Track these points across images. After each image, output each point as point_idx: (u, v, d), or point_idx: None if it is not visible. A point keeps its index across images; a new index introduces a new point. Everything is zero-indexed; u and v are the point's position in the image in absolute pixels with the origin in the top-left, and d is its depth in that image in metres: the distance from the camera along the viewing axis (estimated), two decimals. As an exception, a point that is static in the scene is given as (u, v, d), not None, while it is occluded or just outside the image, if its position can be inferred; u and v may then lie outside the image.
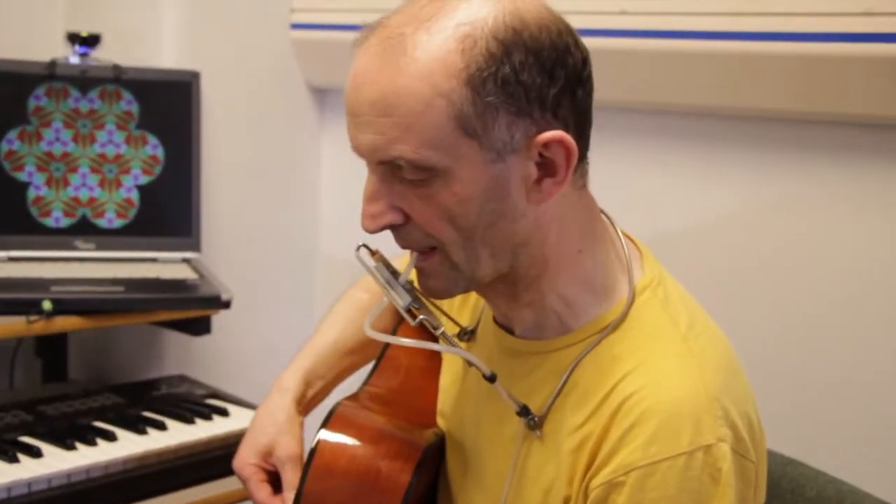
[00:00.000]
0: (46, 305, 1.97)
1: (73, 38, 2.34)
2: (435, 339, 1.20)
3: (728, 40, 1.84)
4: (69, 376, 2.38)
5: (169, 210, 2.36)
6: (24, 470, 1.77)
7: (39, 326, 1.99)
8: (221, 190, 2.51)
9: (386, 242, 1.17)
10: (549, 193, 1.11)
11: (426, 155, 1.06)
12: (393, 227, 1.13)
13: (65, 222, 2.28)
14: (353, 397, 1.35)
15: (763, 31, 1.79)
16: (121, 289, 2.10)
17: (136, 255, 2.30)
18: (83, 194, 2.30)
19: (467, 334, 1.32)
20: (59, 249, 2.25)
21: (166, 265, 2.29)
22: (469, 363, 1.20)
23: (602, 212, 1.22)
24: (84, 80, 2.30)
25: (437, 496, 1.36)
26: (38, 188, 2.26)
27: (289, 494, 1.32)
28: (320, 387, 1.47)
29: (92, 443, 1.89)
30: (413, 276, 1.19)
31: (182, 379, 2.30)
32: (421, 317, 1.17)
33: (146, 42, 2.47)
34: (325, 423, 1.28)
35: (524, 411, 1.17)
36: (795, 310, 1.91)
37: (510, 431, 1.20)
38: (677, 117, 2.04)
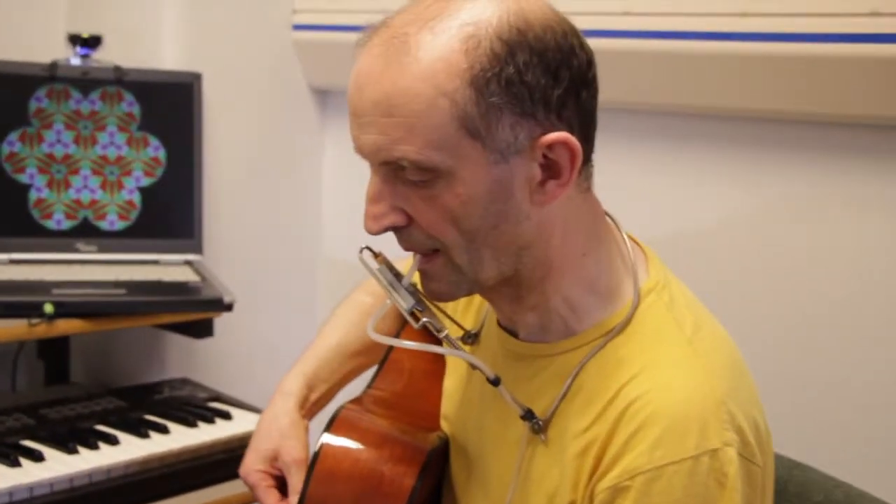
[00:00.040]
0: (48, 308, 1.96)
1: (75, 40, 2.33)
2: (438, 342, 1.19)
3: (733, 41, 1.83)
4: (71, 379, 2.38)
5: (171, 212, 2.36)
6: (26, 474, 1.77)
7: (41, 330, 1.98)
8: (223, 192, 2.50)
9: (389, 245, 1.16)
10: (553, 195, 1.10)
11: (429, 155, 1.05)
12: (396, 229, 1.12)
13: (66, 224, 2.27)
14: (357, 401, 1.35)
15: (769, 31, 1.78)
16: (122, 291, 2.09)
17: (137, 258, 2.29)
18: (85, 196, 2.29)
19: (471, 337, 1.31)
20: (60, 252, 2.24)
21: (168, 267, 2.28)
22: (473, 366, 1.19)
23: (607, 214, 1.21)
24: (85, 82, 2.30)
25: (440, 500, 1.36)
26: (40, 190, 2.25)
27: (294, 498, 1.31)
28: (323, 390, 1.46)
29: (94, 447, 1.88)
30: (417, 278, 1.18)
31: (184, 382, 2.29)
32: (424, 320, 1.16)
33: (147, 43, 2.47)
34: (329, 427, 1.27)
35: (528, 415, 1.16)
36: (795, 310, 1.91)
37: (514, 435, 1.20)
38: (681, 118, 2.04)
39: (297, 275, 2.73)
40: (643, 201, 2.06)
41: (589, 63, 1.12)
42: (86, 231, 2.28)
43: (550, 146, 1.08)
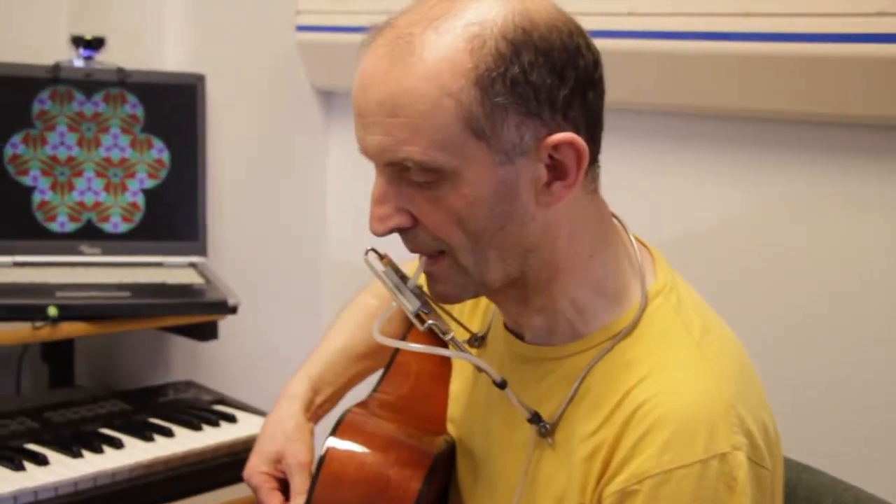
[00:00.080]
0: (52, 312, 1.95)
1: (77, 42, 2.33)
2: (444, 345, 1.18)
3: (734, 41, 1.82)
4: (76, 382, 2.37)
5: (175, 214, 2.35)
6: (31, 478, 1.76)
7: (45, 333, 1.98)
8: (227, 193, 2.50)
9: (395, 247, 1.15)
10: (559, 196, 1.10)
11: (434, 156, 1.05)
12: (401, 231, 1.12)
13: (70, 227, 2.27)
14: (363, 404, 1.34)
15: (769, 31, 1.77)
16: (127, 294, 2.08)
17: (142, 260, 2.29)
18: (88, 198, 2.28)
19: (478, 340, 1.31)
20: (64, 254, 2.24)
21: (172, 270, 2.28)
22: (479, 369, 1.19)
23: (614, 216, 1.20)
24: (88, 84, 2.29)
25: (447, 504, 1.35)
26: (43, 192, 2.25)
27: (297, 500, 1.31)
28: (329, 393, 1.45)
29: (98, 450, 1.88)
30: (423, 280, 1.17)
31: (189, 385, 2.29)
32: (430, 322, 1.16)
33: (151, 45, 2.46)
34: (334, 431, 1.27)
35: (535, 418, 1.15)
36: (795, 310, 1.91)
37: (521, 438, 1.19)
38: (681, 118, 2.03)
39: (302, 277, 2.73)
40: (643, 201, 2.05)
41: (595, 63, 1.11)
42: (89, 233, 2.28)
43: (556, 147, 1.07)
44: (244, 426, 2.06)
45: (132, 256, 2.29)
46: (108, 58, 2.34)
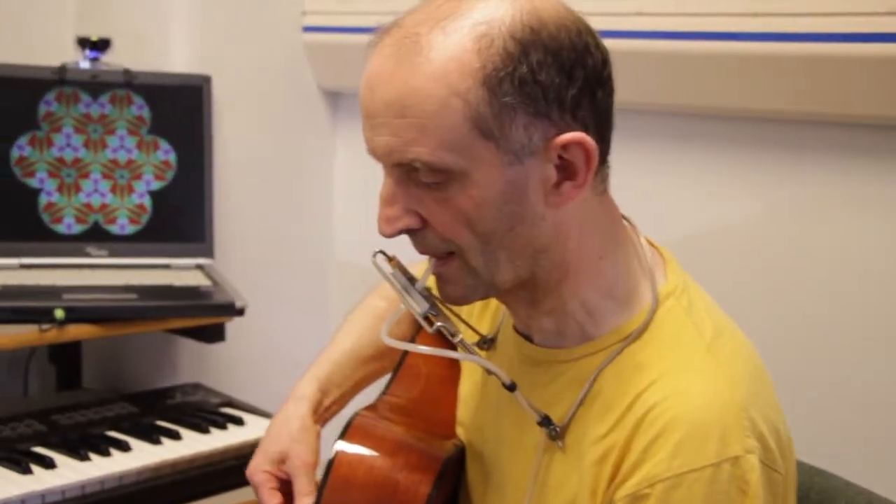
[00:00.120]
0: (59, 314, 1.95)
1: (84, 43, 2.33)
2: (453, 347, 1.17)
3: (748, 41, 1.82)
4: (83, 384, 2.37)
5: (182, 216, 2.34)
6: (38, 482, 1.76)
7: (52, 335, 1.98)
8: (234, 195, 2.49)
9: (404, 248, 1.14)
10: (568, 197, 1.09)
11: (442, 157, 1.04)
12: (410, 232, 1.11)
13: (77, 229, 2.26)
14: (372, 407, 1.34)
15: (781, 31, 1.77)
16: (134, 296, 2.08)
17: (148, 262, 2.29)
18: (95, 200, 2.28)
19: (487, 342, 1.30)
20: (71, 256, 2.24)
21: (179, 272, 2.27)
22: (488, 371, 1.18)
23: (624, 217, 1.19)
24: (94, 85, 2.29)
25: (456, 508, 1.34)
26: (50, 194, 2.24)
27: (301, 502, 1.30)
28: (337, 395, 1.44)
29: (106, 453, 1.87)
30: (432, 282, 1.16)
31: (196, 387, 2.28)
32: (438, 324, 1.15)
33: (157, 46, 2.46)
34: (343, 435, 1.26)
35: (545, 421, 1.14)
36: (795, 310, 1.91)
37: (531, 442, 1.18)
38: (681, 118, 2.03)
39: (310, 279, 2.72)
40: (643, 201, 2.03)
41: (604, 62, 1.10)
42: (96, 235, 2.27)
43: (565, 147, 1.06)
44: (252, 429, 2.05)
45: (139, 258, 2.28)
46: (114, 59, 2.34)
